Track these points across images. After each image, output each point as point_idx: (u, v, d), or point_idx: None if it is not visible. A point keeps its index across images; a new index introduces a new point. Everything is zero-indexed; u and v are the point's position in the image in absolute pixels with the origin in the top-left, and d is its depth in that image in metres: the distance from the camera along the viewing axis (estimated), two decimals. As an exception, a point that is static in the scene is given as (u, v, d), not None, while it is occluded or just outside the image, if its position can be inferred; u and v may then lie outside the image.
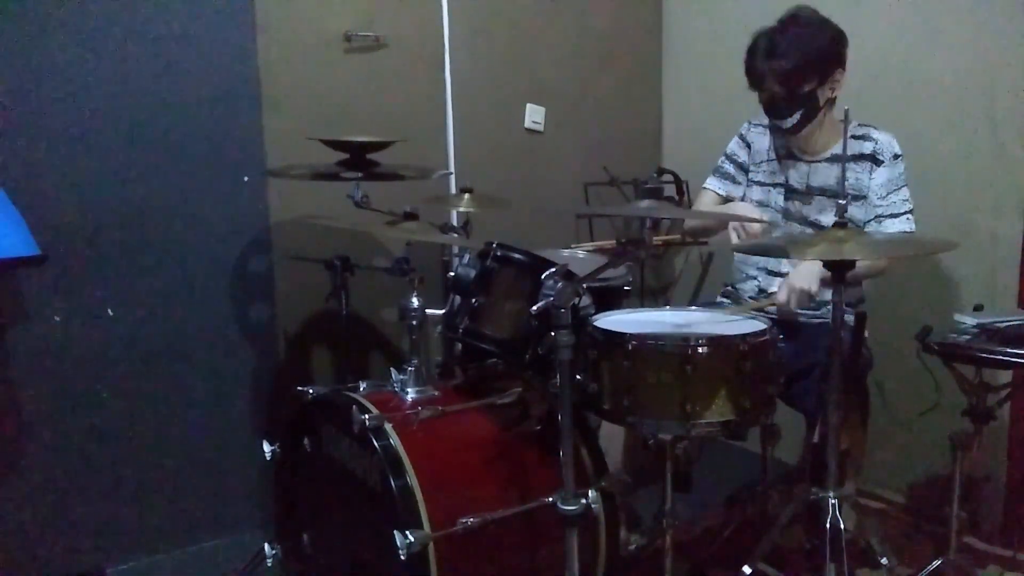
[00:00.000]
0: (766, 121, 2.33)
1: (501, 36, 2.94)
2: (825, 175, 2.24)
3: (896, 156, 2.18)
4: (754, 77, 2.15)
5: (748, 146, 2.38)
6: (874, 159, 2.18)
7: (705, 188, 2.45)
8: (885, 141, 2.19)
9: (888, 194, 2.17)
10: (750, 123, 2.39)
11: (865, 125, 2.22)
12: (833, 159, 2.23)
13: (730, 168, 2.41)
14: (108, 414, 2.31)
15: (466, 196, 2.19)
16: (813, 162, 2.26)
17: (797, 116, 2.14)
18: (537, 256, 1.78)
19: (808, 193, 2.27)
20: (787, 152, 2.30)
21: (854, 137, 2.20)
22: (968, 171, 2.45)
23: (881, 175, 2.18)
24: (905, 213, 2.17)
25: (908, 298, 2.53)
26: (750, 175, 2.37)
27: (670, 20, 3.33)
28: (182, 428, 2.42)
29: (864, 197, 2.20)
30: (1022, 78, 2.31)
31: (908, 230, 2.17)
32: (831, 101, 2.17)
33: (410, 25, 2.73)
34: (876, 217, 2.18)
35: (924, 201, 2.32)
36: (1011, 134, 2.35)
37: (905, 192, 2.18)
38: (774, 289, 2.22)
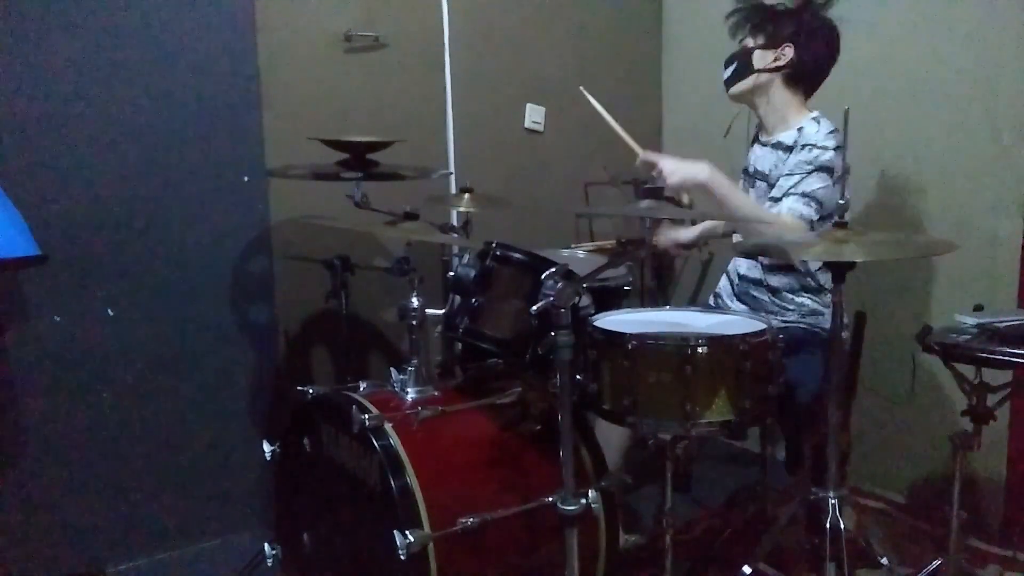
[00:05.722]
0: None
1: (501, 36, 2.94)
2: (766, 160, 2.21)
3: (806, 145, 2.06)
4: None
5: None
6: (789, 148, 2.13)
7: None
8: (807, 131, 2.09)
9: (781, 176, 2.09)
10: None
11: (817, 120, 2.12)
12: (776, 146, 2.19)
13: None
14: (108, 414, 2.31)
15: (466, 196, 2.20)
16: (764, 146, 2.24)
17: (731, 70, 2.19)
18: (537, 256, 1.78)
19: (754, 177, 2.26)
20: (755, 135, 2.31)
21: (799, 129, 2.14)
22: (968, 171, 2.45)
23: (791, 160, 2.10)
24: (797, 194, 2.03)
25: (908, 298, 2.53)
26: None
27: (670, 20, 3.33)
28: (182, 428, 2.42)
29: (763, 178, 2.20)
30: (1022, 78, 2.31)
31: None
32: (771, 72, 2.14)
33: (410, 25, 2.73)
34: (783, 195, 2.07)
35: (924, 201, 2.32)
36: (1011, 134, 2.35)
37: (810, 179, 2.03)
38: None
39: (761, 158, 2.24)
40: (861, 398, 2.27)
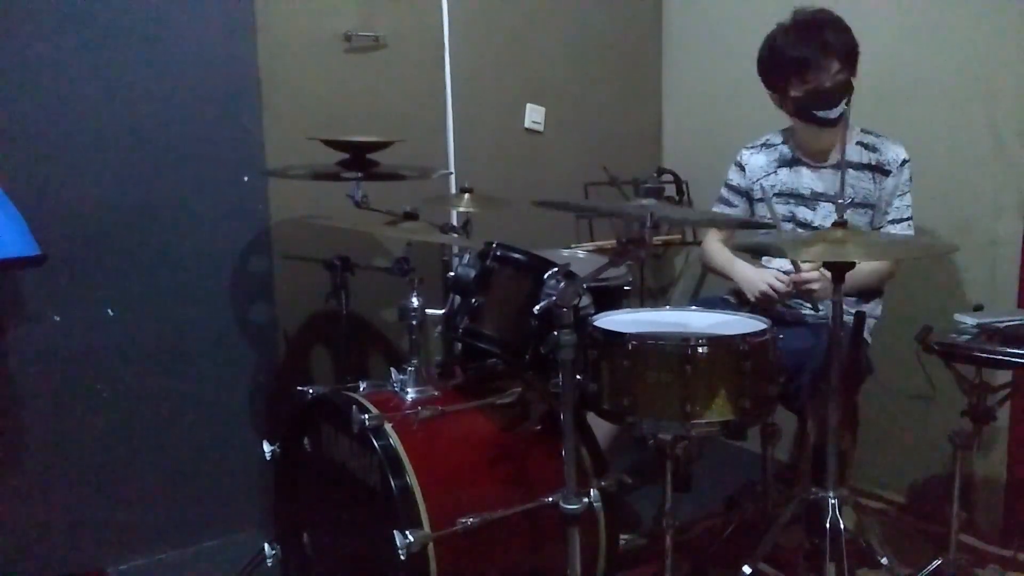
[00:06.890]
0: (761, 141, 2.37)
1: (501, 36, 2.94)
2: (830, 182, 2.26)
3: (903, 163, 2.20)
4: (798, 66, 2.09)
5: (742, 168, 2.41)
6: (880, 169, 2.21)
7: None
8: (891, 151, 2.21)
9: (894, 200, 2.22)
10: (744, 148, 2.42)
11: (869, 132, 2.23)
12: (839, 165, 2.20)
13: (727, 194, 2.46)
14: (108, 414, 2.31)
15: (466, 196, 2.20)
16: (819, 168, 2.28)
17: (842, 105, 2.09)
18: (537, 256, 1.78)
19: (814, 199, 2.28)
20: (794, 159, 2.31)
21: (862, 145, 2.21)
22: (968, 171, 2.45)
23: (890, 183, 2.21)
24: (907, 219, 2.22)
25: (908, 298, 2.53)
26: (753, 194, 2.40)
27: (670, 20, 3.32)
28: (182, 428, 2.42)
29: (869, 205, 2.23)
30: (1022, 78, 2.31)
31: (906, 235, 2.21)
32: None
33: (410, 25, 2.73)
34: (889, 222, 2.23)
35: (925, 202, 2.32)
36: (1011, 134, 2.35)
37: (908, 198, 2.22)
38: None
39: (821, 180, 2.27)
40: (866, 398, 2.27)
